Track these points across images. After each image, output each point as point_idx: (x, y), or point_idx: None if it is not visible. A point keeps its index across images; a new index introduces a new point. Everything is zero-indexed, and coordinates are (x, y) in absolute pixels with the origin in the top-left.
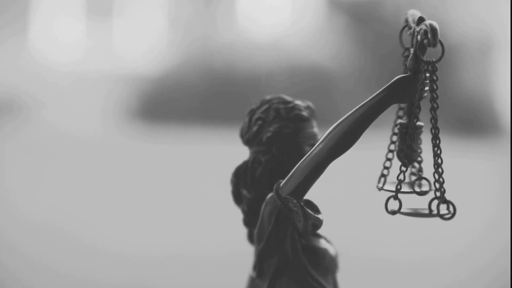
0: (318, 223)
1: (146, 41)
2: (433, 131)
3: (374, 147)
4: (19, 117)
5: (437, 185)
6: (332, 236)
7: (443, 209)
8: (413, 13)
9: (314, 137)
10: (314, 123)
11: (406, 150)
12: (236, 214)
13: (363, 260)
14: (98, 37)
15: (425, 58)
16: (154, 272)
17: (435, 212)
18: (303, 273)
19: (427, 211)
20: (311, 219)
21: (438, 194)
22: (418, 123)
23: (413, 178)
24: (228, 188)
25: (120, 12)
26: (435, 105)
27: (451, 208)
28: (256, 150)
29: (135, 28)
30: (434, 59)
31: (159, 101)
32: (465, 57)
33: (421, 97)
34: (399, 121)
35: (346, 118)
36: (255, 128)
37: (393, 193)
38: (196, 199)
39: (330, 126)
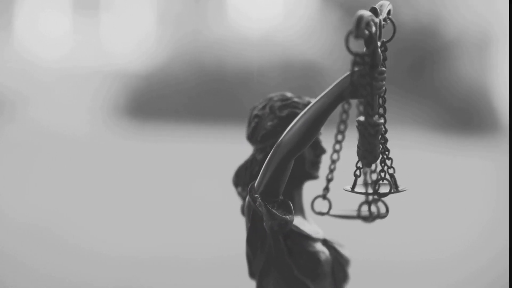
0: (284, 224)
1: (135, 37)
2: (358, 127)
3: None
4: (3, 115)
5: (371, 185)
6: (331, 238)
7: (381, 209)
8: (382, 4)
9: None
10: None
11: (363, 149)
12: (227, 215)
13: (361, 262)
14: (85, 32)
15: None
16: (143, 274)
17: (366, 213)
18: (289, 275)
19: (354, 213)
20: (276, 219)
21: (371, 195)
22: (375, 120)
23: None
24: (219, 187)
25: (107, 6)
26: (362, 101)
27: (379, 210)
28: (255, 148)
29: (123, 23)
30: (363, 51)
31: (148, 98)
32: (462, 52)
33: (360, 93)
34: (357, 118)
35: (302, 116)
36: (252, 126)
37: (369, 195)
38: (186, 199)
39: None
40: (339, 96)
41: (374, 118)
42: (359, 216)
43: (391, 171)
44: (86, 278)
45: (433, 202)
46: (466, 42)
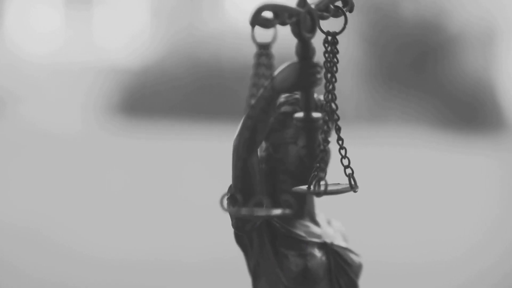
0: (249, 223)
1: (128, 31)
2: (297, 124)
3: (376, 143)
4: None
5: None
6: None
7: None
8: None
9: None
10: None
11: (303, 146)
12: (224, 216)
13: (365, 264)
14: (78, 27)
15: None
16: (135, 277)
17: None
18: (276, 277)
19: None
20: (240, 219)
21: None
22: (312, 115)
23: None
24: (216, 186)
25: (100, 0)
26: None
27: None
28: (262, 147)
29: (117, 18)
30: (267, 42)
31: (142, 95)
32: (466, 47)
33: (284, 86)
34: (295, 114)
35: (248, 112)
36: None
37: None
38: (181, 198)
39: None
40: (273, 89)
41: (313, 114)
42: (252, 215)
43: (348, 170)
44: (78, 280)
45: (437, 201)
46: (470, 36)
